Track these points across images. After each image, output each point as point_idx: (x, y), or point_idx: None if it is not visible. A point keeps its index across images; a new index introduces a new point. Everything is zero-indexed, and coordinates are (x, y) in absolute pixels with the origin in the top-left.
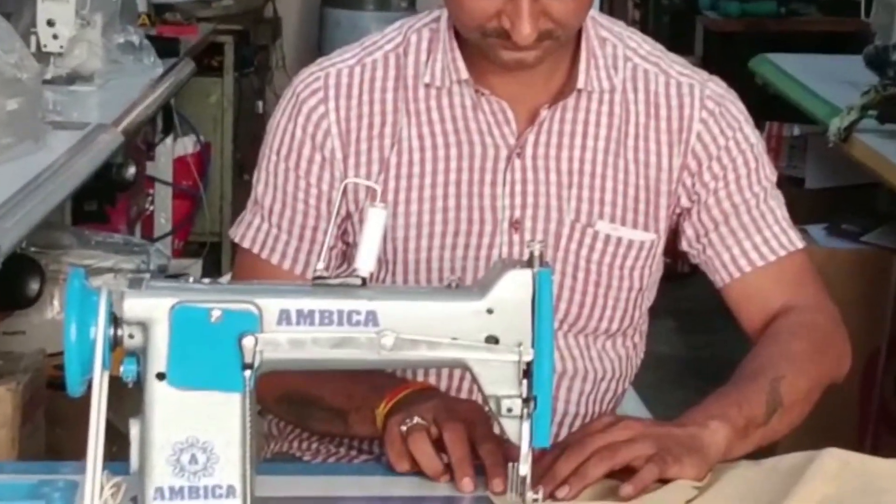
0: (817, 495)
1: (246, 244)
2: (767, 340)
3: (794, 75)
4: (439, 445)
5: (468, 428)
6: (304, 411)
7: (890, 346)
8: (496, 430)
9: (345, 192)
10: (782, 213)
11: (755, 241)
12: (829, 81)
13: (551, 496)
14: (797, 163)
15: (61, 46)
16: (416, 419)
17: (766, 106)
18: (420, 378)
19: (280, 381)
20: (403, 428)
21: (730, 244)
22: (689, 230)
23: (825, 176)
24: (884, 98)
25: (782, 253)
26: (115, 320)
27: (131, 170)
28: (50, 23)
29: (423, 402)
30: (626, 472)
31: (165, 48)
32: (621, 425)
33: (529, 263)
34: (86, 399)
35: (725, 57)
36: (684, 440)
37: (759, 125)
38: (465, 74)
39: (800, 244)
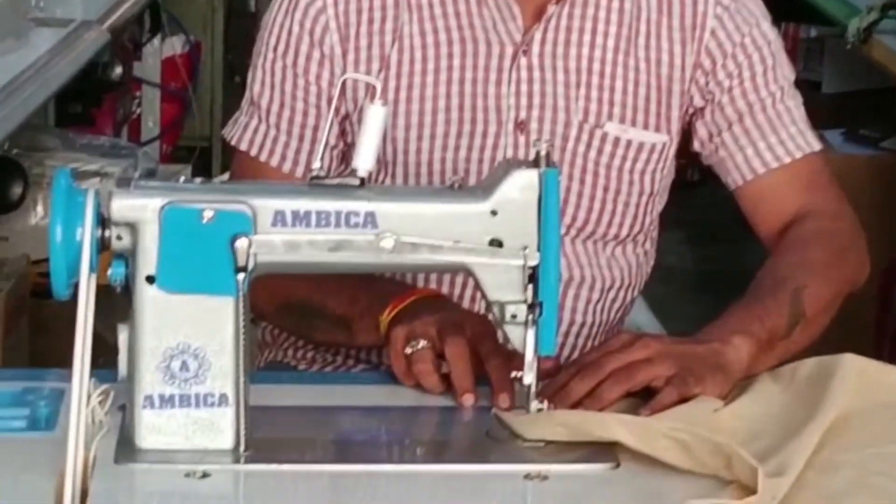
0: (835, 410)
1: (243, 146)
2: (786, 249)
3: None
4: (444, 358)
5: (474, 342)
6: (306, 321)
7: None
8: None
9: (343, 89)
10: (799, 113)
11: (770, 141)
12: None
13: None
14: (814, 66)
15: None
16: (422, 342)
17: (781, 6)
18: (421, 283)
19: (281, 290)
20: (409, 350)
21: (743, 144)
22: (701, 130)
23: (843, 79)
24: None
25: (798, 154)
26: (102, 221)
27: (118, 70)
28: None
29: (429, 314)
30: (646, 393)
31: None
32: (639, 344)
33: (535, 163)
34: (71, 307)
35: None
36: (707, 357)
37: (774, 26)
38: None
39: (817, 146)
